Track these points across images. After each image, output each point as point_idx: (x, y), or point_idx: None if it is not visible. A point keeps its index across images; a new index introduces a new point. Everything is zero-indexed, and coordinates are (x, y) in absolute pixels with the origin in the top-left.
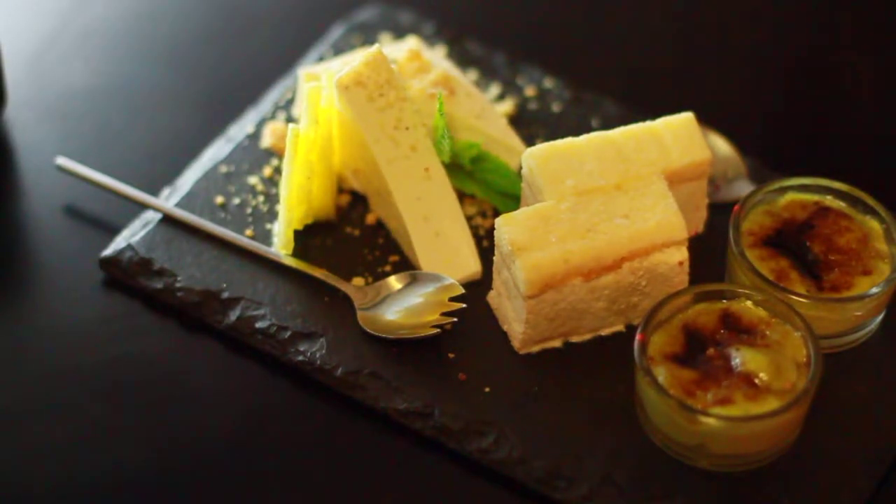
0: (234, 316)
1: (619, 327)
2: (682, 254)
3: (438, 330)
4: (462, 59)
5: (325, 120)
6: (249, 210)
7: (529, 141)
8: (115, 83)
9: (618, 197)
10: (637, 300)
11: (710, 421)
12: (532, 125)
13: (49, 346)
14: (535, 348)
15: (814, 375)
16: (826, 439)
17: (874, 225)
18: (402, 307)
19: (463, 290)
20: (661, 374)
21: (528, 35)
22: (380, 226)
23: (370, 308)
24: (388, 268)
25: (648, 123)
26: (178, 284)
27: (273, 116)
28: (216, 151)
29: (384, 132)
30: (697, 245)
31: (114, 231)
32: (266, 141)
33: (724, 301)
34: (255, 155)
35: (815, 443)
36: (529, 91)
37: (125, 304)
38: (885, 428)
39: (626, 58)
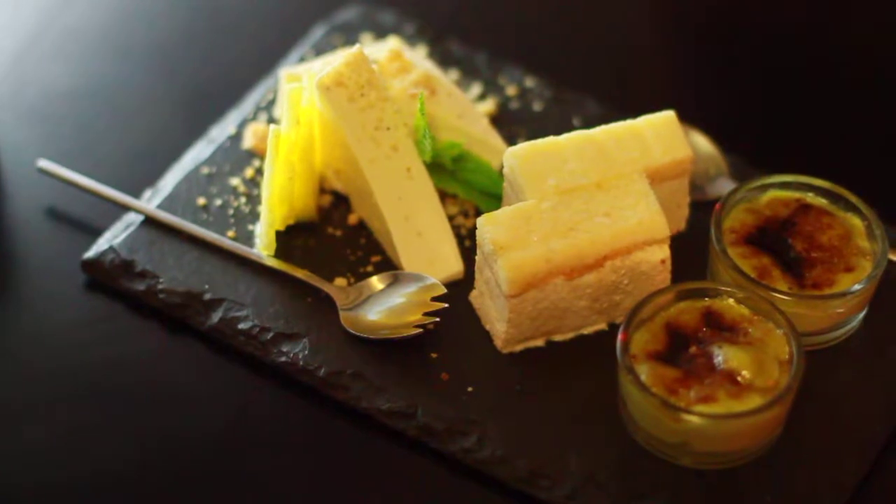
0: (216, 317)
1: (602, 326)
2: (664, 252)
3: (421, 330)
4: (443, 58)
5: (306, 120)
6: (231, 211)
7: (511, 140)
8: (97, 85)
9: (599, 195)
10: (619, 299)
11: (693, 419)
12: (513, 124)
13: (31, 348)
14: (518, 347)
15: (796, 373)
16: (809, 436)
17: (856, 222)
18: (385, 307)
19: (445, 290)
20: (644, 372)
21: (509, 35)
22: (362, 226)
23: (352, 308)
24: (370, 268)
25: (630, 122)
26: (160, 286)
27: (254, 117)
28: (198, 153)
29: (365, 132)
30: (679, 243)
31: (95, 233)
32: (247, 142)
33: (707, 299)
34: (236, 156)
35: (798, 440)
36: (511, 90)
37: (107, 306)
38: (867, 424)
39: (607, 57)
